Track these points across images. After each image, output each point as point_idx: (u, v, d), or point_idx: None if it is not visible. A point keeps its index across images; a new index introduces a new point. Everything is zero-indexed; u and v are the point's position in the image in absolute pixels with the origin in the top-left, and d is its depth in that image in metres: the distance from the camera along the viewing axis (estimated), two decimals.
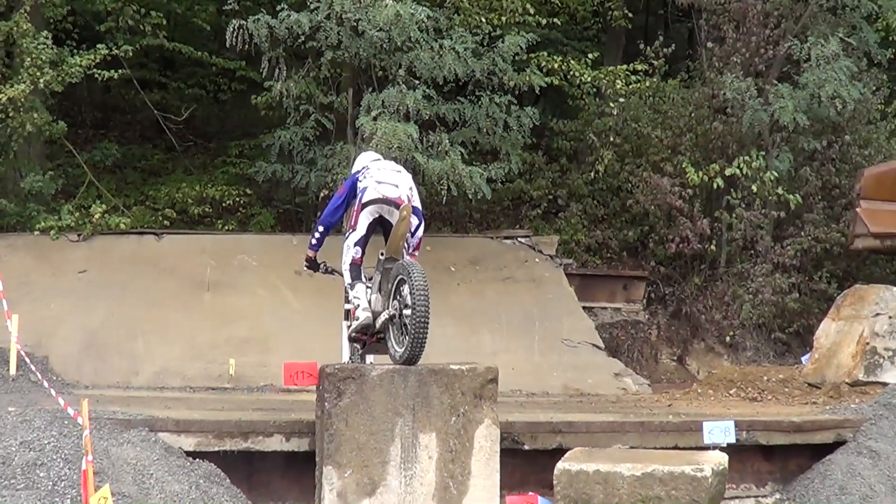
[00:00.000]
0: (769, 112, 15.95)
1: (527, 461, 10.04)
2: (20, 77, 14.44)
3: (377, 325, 9.28)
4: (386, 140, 13.82)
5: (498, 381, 9.25)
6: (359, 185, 9.65)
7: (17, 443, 8.69)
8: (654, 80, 18.36)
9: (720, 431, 9.85)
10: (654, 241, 17.15)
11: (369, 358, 9.75)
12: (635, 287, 16.93)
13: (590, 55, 18.28)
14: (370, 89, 15.10)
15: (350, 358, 9.77)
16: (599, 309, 16.58)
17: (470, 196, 15.12)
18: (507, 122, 15.53)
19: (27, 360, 11.88)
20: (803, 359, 14.13)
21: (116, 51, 15.64)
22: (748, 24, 16.85)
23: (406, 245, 9.55)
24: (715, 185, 16.35)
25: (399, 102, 14.44)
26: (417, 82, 14.87)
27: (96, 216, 14.74)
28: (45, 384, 10.93)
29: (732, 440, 9.82)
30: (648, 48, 18.20)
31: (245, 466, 9.63)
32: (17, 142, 14.84)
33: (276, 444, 9.54)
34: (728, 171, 16.22)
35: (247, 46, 15.09)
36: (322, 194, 15.51)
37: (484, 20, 16.25)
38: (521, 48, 15.52)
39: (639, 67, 18.12)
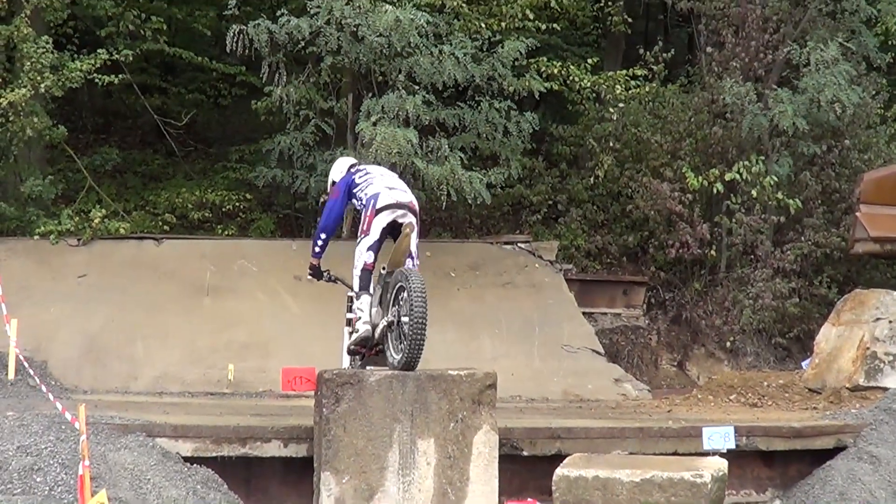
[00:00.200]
0: (769, 117, 15.95)
1: (526, 467, 9.99)
2: (20, 81, 14.43)
3: (376, 336, 9.29)
4: (385, 145, 13.82)
5: (496, 386, 9.22)
6: (359, 190, 9.64)
7: (14, 447, 8.66)
8: (654, 85, 18.37)
9: (720, 437, 9.83)
10: (654, 247, 17.13)
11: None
12: (635, 292, 16.91)
13: (589, 60, 18.30)
14: (370, 94, 15.09)
15: (350, 364, 9.75)
16: (599, 314, 16.55)
17: (469, 201, 15.11)
18: (506, 127, 15.52)
19: (26, 364, 11.84)
20: (804, 364, 14.09)
21: (117, 55, 15.64)
22: (747, 29, 16.85)
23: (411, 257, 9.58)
24: (715, 190, 16.36)
25: (399, 108, 14.43)
26: (417, 87, 14.87)
27: (96, 221, 14.73)
28: (44, 388, 10.89)
29: (732, 446, 9.80)
30: (648, 53, 18.18)
31: (243, 472, 9.60)
32: (18, 146, 14.84)
33: (274, 449, 9.50)
34: (728, 176, 16.22)
35: (247, 51, 15.10)
36: (322, 199, 15.49)
37: (483, 25, 16.26)
38: (521, 53, 15.53)
39: (638, 72, 18.12)
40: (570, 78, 17.44)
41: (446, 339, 13.38)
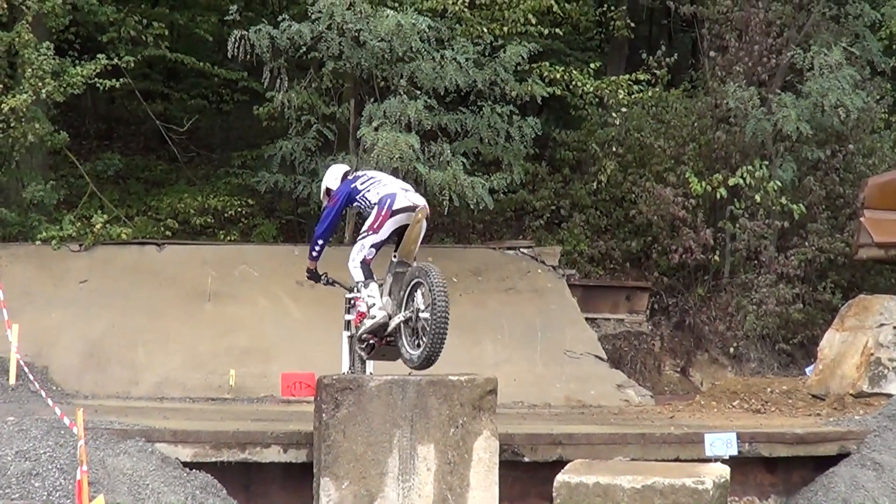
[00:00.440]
0: (772, 121, 15.91)
1: (527, 473, 9.97)
2: (22, 87, 14.42)
3: (389, 327, 9.24)
4: (387, 150, 13.80)
5: (497, 392, 9.18)
6: (365, 192, 9.58)
7: (12, 452, 8.64)
8: (657, 89, 18.35)
9: (722, 443, 9.79)
10: (658, 252, 17.09)
11: (369, 367, 9.69)
12: (638, 298, 16.86)
13: (592, 65, 18.25)
14: (372, 100, 15.07)
15: (350, 368, 9.72)
16: (602, 320, 16.51)
17: (472, 207, 15.07)
18: (508, 132, 15.49)
19: (26, 369, 11.82)
20: (807, 370, 14.05)
21: (118, 61, 15.63)
22: (751, 33, 16.83)
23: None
24: (718, 195, 16.31)
25: (400, 113, 14.42)
26: (419, 92, 14.85)
27: (97, 226, 14.72)
28: (43, 394, 10.87)
29: (734, 452, 9.76)
30: (651, 58, 18.15)
31: (243, 477, 9.58)
32: (19, 152, 14.84)
33: (273, 455, 9.48)
34: (731, 181, 16.17)
35: (248, 57, 15.07)
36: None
37: (486, 30, 16.23)
38: (523, 58, 15.51)
39: (641, 77, 18.09)
40: (573, 83, 17.39)
41: (448, 345, 13.07)
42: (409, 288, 9.22)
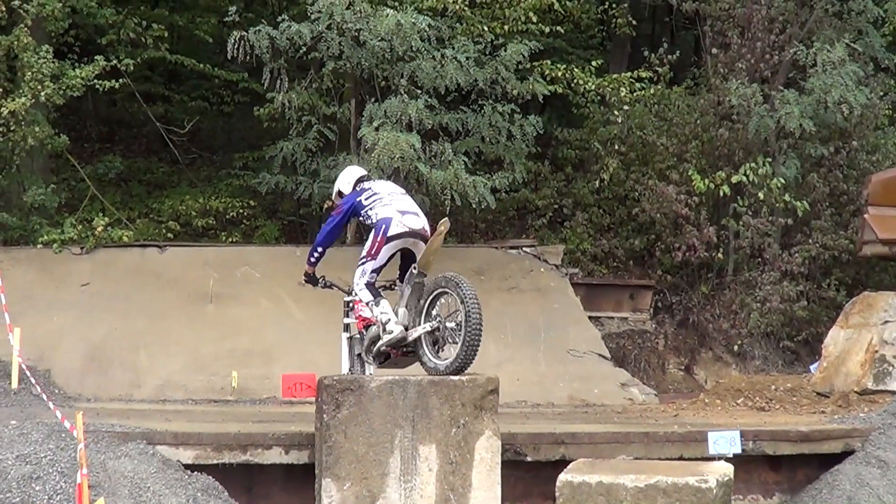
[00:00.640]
0: (775, 118, 15.86)
1: (530, 473, 9.93)
2: (21, 91, 14.40)
3: (409, 338, 9.22)
4: (388, 150, 13.76)
5: (499, 391, 9.15)
6: (368, 209, 9.53)
7: (13, 456, 8.62)
8: (659, 87, 18.29)
9: (725, 442, 9.73)
10: (661, 250, 17.03)
11: (369, 369, 9.65)
12: (642, 296, 16.81)
13: (593, 63, 18.19)
14: (372, 99, 15.04)
15: (350, 369, 9.68)
16: (606, 318, 16.45)
17: (474, 206, 15.02)
18: (510, 131, 15.45)
19: (28, 373, 11.80)
20: (812, 367, 13.99)
21: (116, 63, 15.60)
22: (753, 30, 16.76)
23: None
24: (721, 193, 16.27)
25: (401, 112, 14.39)
26: (420, 92, 14.81)
27: (99, 229, 14.70)
28: (44, 397, 10.84)
29: (738, 450, 9.70)
30: (653, 55, 18.10)
31: (245, 479, 9.56)
32: (20, 155, 14.84)
33: (275, 456, 9.46)
34: (734, 179, 16.13)
35: (248, 58, 15.05)
36: (326, 205, 15.45)
37: (486, 29, 16.20)
38: (524, 56, 15.47)
39: (643, 75, 18.04)
40: (575, 81, 17.34)
41: None
42: (430, 297, 9.20)
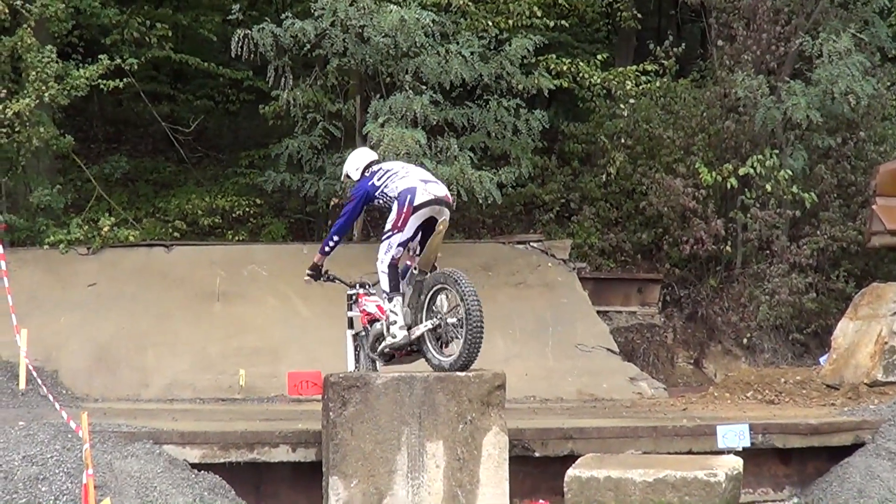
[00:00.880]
0: (782, 110, 15.79)
1: (538, 468, 9.89)
2: (26, 91, 14.39)
3: (411, 338, 9.19)
4: (394, 146, 13.73)
5: (505, 387, 9.11)
6: (384, 188, 9.44)
7: (19, 457, 8.63)
8: (665, 80, 18.21)
9: (734, 435, 9.71)
10: (669, 243, 16.96)
11: (379, 365, 9.64)
12: (650, 290, 16.76)
13: (599, 56, 18.14)
14: (377, 96, 15.00)
15: (356, 366, 9.66)
16: (614, 313, 16.41)
17: (481, 201, 14.98)
18: (516, 125, 15.41)
19: (35, 374, 11.79)
20: (821, 360, 13.94)
21: (121, 62, 15.59)
22: (758, 22, 16.68)
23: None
24: (729, 185, 16.19)
25: (406, 108, 14.35)
26: (424, 87, 14.77)
27: (105, 229, 14.70)
28: (51, 398, 10.83)
29: (747, 444, 9.68)
30: (658, 48, 18.04)
31: (252, 478, 9.54)
32: (25, 156, 14.84)
33: (282, 454, 9.44)
34: (742, 171, 16.06)
35: (253, 56, 15.02)
36: (332, 202, 15.44)
37: (491, 24, 16.16)
38: (529, 51, 15.43)
39: (649, 68, 17.97)
40: (580, 75, 17.28)
41: None
42: (430, 293, 9.16)
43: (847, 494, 9.92)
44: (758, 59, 16.65)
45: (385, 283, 9.32)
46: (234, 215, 17.10)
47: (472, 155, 14.89)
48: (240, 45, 14.88)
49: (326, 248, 9.70)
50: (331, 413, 8.84)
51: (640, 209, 17.39)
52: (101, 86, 15.46)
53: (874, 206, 13.81)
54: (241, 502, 9.11)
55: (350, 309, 9.82)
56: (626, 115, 17.63)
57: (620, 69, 18.12)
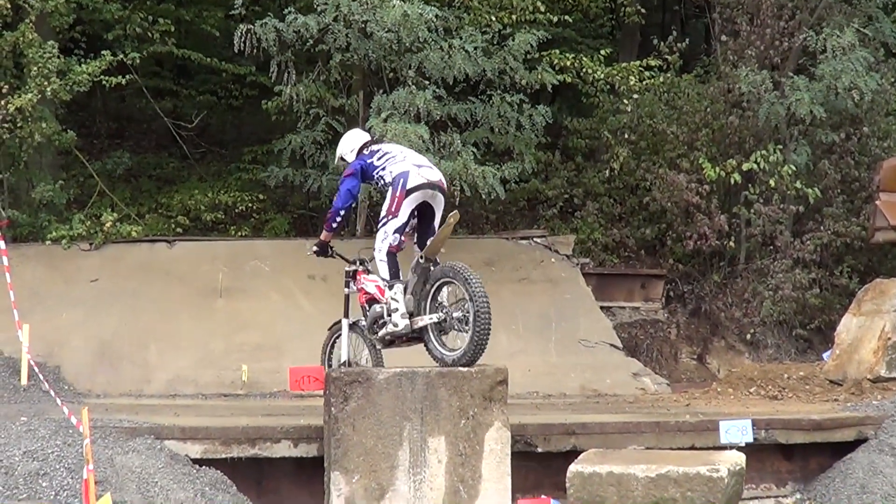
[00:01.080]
0: (785, 105, 15.76)
1: (541, 464, 9.89)
2: (28, 87, 14.38)
3: (413, 328, 9.17)
4: (397, 141, 13.68)
5: (508, 382, 9.10)
6: (380, 170, 9.44)
7: (20, 453, 8.62)
8: (669, 75, 18.18)
9: (737, 431, 9.67)
10: (672, 239, 16.93)
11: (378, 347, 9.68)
12: (653, 285, 16.74)
13: (602, 51, 18.11)
14: (380, 91, 14.98)
15: (348, 360, 9.65)
16: (617, 308, 16.39)
17: (484, 196, 14.95)
18: (519, 121, 15.37)
19: (37, 369, 11.78)
20: (824, 355, 13.91)
21: (123, 57, 15.57)
22: (762, 17, 16.65)
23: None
24: (732, 181, 16.16)
25: (409, 103, 14.31)
26: (427, 83, 14.74)
27: (107, 225, 14.67)
28: (52, 393, 10.83)
29: (750, 439, 9.65)
30: (662, 44, 18.00)
31: (254, 473, 9.54)
32: (27, 152, 14.80)
33: (284, 450, 9.44)
34: (745, 166, 16.02)
35: (256, 51, 14.99)
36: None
37: (494, 19, 16.11)
38: (533, 46, 15.39)
39: (653, 63, 17.93)
40: (584, 70, 17.25)
41: None
42: (436, 284, 9.14)
43: (850, 490, 9.92)
44: (761, 55, 16.61)
45: (384, 271, 9.33)
46: (236, 211, 17.07)
47: (475, 150, 14.85)
48: (243, 40, 14.84)
49: (334, 225, 9.64)
50: (332, 408, 8.84)
51: (644, 205, 17.36)
52: (104, 82, 15.42)
53: (878, 202, 13.81)
54: (243, 498, 9.10)
55: (347, 286, 9.79)
56: (629, 110, 17.59)
57: (624, 64, 18.08)
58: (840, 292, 15.90)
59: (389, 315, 9.23)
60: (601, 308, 15.52)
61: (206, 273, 14.59)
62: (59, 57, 14.74)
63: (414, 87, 14.54)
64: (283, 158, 15.89)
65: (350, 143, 10.00)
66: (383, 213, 9.34)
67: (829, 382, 12.88)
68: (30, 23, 14.45)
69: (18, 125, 14.36)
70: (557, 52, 17.11)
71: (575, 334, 14.63)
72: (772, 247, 16.30)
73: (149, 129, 20.34)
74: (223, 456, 9.32)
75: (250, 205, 17.03)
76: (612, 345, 14.74)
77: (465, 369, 8.95)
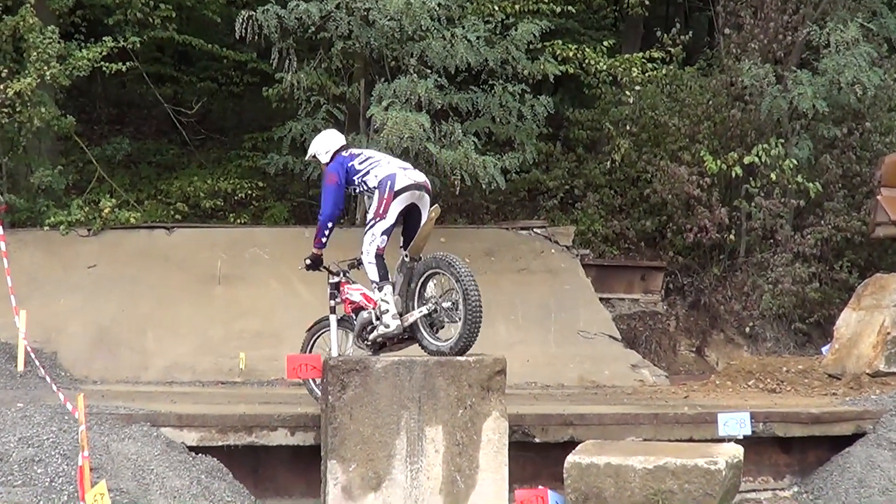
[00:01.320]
0: (788, 99, 15.70)
1: (538, 454, 9.88)
2: (27, 71, 14.33)
3: (404, 327, 9.17)
4: (397, 130, 13.65)
5: (506, 372, 9.08)
6: (363, 174, 9.46)
7: (15, 439, 8.59)
8: (672, 67, 18.13)
9: (735, 423, 9.66)
10: (673, 231, 16.89)
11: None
12: (653, 278, 16.71)
13: (605, 43, 18.06)
14: (382, 79, 14.91)
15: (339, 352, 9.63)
16: (617, 300, 16.37)
17: (484, 186, 14.90)
18: (521, 111, 15.30)
19: (33, 356, 11.76)
20: (823, 349, 13.89)
21: (124, 43, 15.52)
22: (766, 10, 16.62)
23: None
24: (733, 174, 16.11)
25: (410, 92, 14.24)
26: (429, 71, 14.67)
27: (106, 211, 14.63)
28: (48, 379, 10.79)
29: (748, 432, 9.64)
30: (665, 36, 17.94)
31: (251, 461, 9.53)
32: (26, 136, 14.76)
33: (280, 438, 9.42)
34: (747, 160, 15.98)
35: (257, 38, 14.92)
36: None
37: (497, 8, 16.05)
38: (535, 36, 15.31)
39: (655, 55, 17.89)
40: (586, 61, 17.21)
41: None
42: (421, 279, 9.14)
43: (847, 484, 9.92)
44: (765, 48, 16.56)
45: (373, 274, 9.31)
46: (236, 198, 17.04)
47: (476, 140, 14.80)
48: (244, 26, 14.77)
49: (323, 240, 9.67)
50: (330, 397, 8.81)
51: (645, 196, 17.33)
52: (104, 68, 15.37)
53: (879, 197, 13.78)
54: (239, 486, 9.08)
55: (332, 298, 9.78)
56: (631, 102, 17.56)
57: (627, 56, 18.05)
58: (840, 287, 15.87)
59: (379, 318, 9.24)
60: (600, 299, 15.49)
61: (205, 260, 14.55)
62: (59, 42, 14.68)
63: (415, 75, 14.47)
64: (284, 146, 15.81)
65: (326, 144, 9.98)
66: (371, 216, 9.34)
67: (828, 376, 12.86)
68: (30, 7, 14.40)
69: (17, 110, 14.31)
70: (560, 42, 17.09)
71: (574, 325, 14.60)
72: (772, 240, 16.28)
73: (149, 116, 20.30)
74: (220, 444, 9.30)
75: (250, 192, 16.99)
76: (611, 336, 14.71)
77: (463, 359, 8.92)
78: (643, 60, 17.81)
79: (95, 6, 17.30)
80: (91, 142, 17.42)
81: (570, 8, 17.55)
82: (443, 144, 14.46)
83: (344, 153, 9.76)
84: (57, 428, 8.76)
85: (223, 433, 9.32)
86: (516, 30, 15.31)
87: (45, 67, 14.29)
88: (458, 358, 8.91)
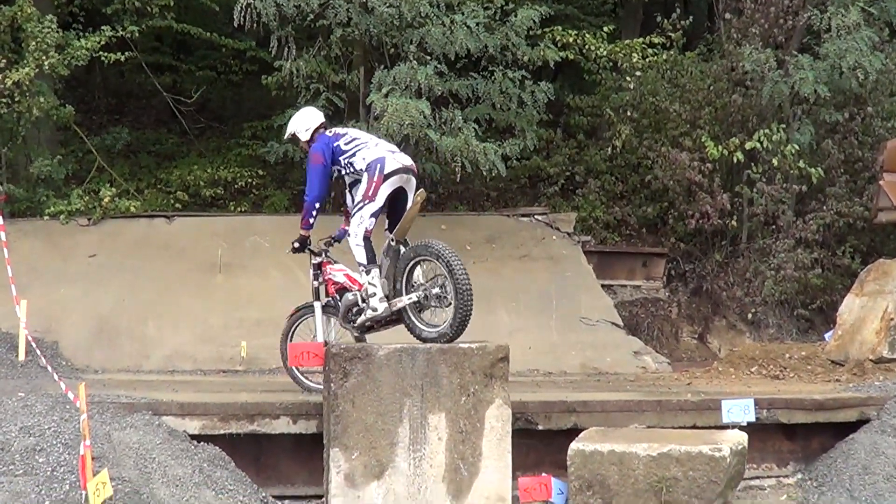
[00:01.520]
0: (789, 84, 15.62)
1: (541, 442, 9.84)
2: (26, 61, 14.28)
3: (392, 310, 9.14)
4: (397, 117, 13.60)
5: (509, 359, 9.05)
6: (350, 156, 9.46)
7: (16, 428, 8.56)
8: (672, 53, 18.05)
9: (739, 410, 9.63)
10: (674, 217, 16.84)
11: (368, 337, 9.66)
12: (655, 264, 16.67)
13: (605, 28, 18.00)
14: (381, 66, 14.85)
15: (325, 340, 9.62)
16: (619, 286, 16.32)
17: (485, 173, 14.85)
18: (521, 97, 15.24)
19: (34, 345, 11.73)
20: (826, 335, 13.84)
21: (122, 32, 15.47)
22: None
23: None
24: (735, 160, 16.04)
25: (410, 79, 14.18)
26: (429, 58, 14.61)
27: (106, 200, 14.61)
28: (49, 368, 10.77)
29: (752, 419, 9.60)
30: (666, 21, 17.87)
31: (252, 449, 9.49)
32: (25, 126, 14.73)
33: (283, 426, 9.38)
34: (748, 145, 15.91)
35: (256, 26, 14.86)
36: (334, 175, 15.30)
37: None
38: (535, 22, 15.25)
39: (656, 41, 17.82)
40: (586, 47, 17.15)
41: None
42: (408, 265, 9.14)
43: (852, 471, 9.87)
44: (765, 33, 16.47)
45: (361, 256, 9.34)
46: (236, 186, 17.01)
47: (476, 127, 14.74)
48: (243, 14, 14.68)
49: (311, 221, 9.73)
50: (332, 384, 8.78)
51: (646, 183, 17.27)
52: (103, 58, 15.32)
53: (881, 182, 13.70)
54: (241, 474, 9.05)
55: (316, 279, 9.79)
56: (632, 88, 17.47)
57: (627, 42, 17.97)
58: (842, 272, 15.82)
59: (366, 301, 9.25)
60: (602, 286, 15.46)
61: (206, 249, 14.52)
62: (57, 31, 14.64)
63: (415, 62, 14.40)
64: (283, 134, 15.76)
65: (306, 122, 10.00)
66: (359, 198, 9.34)
67: (831, 363, 12.82)
68: None
69: (16, 99, 14.27)
70: (560, 28, 17.03)
71: (576, 312, 14.57)
72: (774, 226, 16.22)
73: (148, 105, 20.26)
74: (221, 432, 9.27)
75: (250, 180, 16.98)
76: (613, 323, 14.68)
77: (466, 346, 8.89)
78: (643, 46, 17.75)
79: None
80: (90, 131, 17.38)
81: None
82: (443, 131, 14.41)
83: (328, 132, 9.76)
84: (58, 417, 8.73)
85: (225, 421, 9.29)
86: (516, 16, 15.24)
87: (44, 57, 14.25)
88: (461, 345, 8.89)
